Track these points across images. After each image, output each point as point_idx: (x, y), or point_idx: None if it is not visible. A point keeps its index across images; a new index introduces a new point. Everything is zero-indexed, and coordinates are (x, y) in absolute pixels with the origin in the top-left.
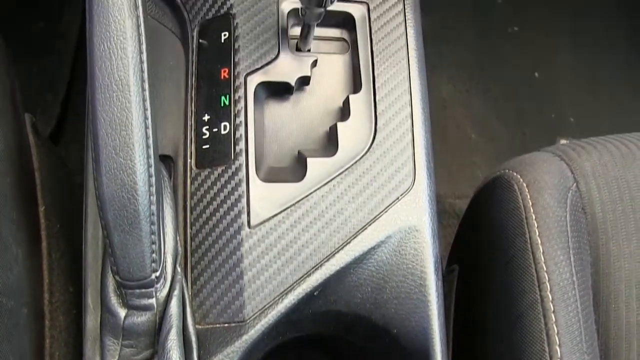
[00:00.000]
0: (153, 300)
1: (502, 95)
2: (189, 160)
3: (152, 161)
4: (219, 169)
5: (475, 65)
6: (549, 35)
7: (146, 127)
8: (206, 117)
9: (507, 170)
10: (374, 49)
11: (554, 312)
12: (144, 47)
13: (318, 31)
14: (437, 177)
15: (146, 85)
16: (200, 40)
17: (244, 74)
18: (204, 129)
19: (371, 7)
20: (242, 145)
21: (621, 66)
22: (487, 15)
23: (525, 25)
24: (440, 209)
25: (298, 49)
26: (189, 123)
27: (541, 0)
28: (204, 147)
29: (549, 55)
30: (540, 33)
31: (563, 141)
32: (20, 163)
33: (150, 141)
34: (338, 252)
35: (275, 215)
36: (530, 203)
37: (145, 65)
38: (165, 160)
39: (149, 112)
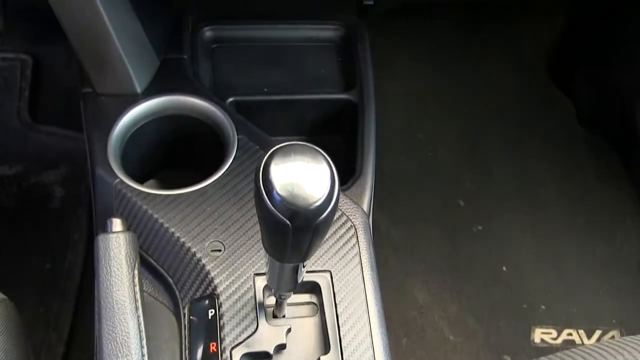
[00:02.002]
0: None
1: (475, 293)
2: None
3: None
4: None
5: (447, 267)
6: (511, 230)
7: None
8: None
9: None
10: (338, 311)
11: None
12: (144, 342)
13: (290, 298)
14: None
15: None
16: (191, 317)
17: (230, 348)
18: None
19: (333, 273)
20: None
21: (583, 249)
22: (452, 219)
23: (488, 223)
24: None
25: (274, 316)
26: None
27: (499, 197)
28: None
29: (514, 248)
30: (503, 228)
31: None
32: None
33: None
34: None
35: None
36: None
37: (146, 358)
38: None
39: None
